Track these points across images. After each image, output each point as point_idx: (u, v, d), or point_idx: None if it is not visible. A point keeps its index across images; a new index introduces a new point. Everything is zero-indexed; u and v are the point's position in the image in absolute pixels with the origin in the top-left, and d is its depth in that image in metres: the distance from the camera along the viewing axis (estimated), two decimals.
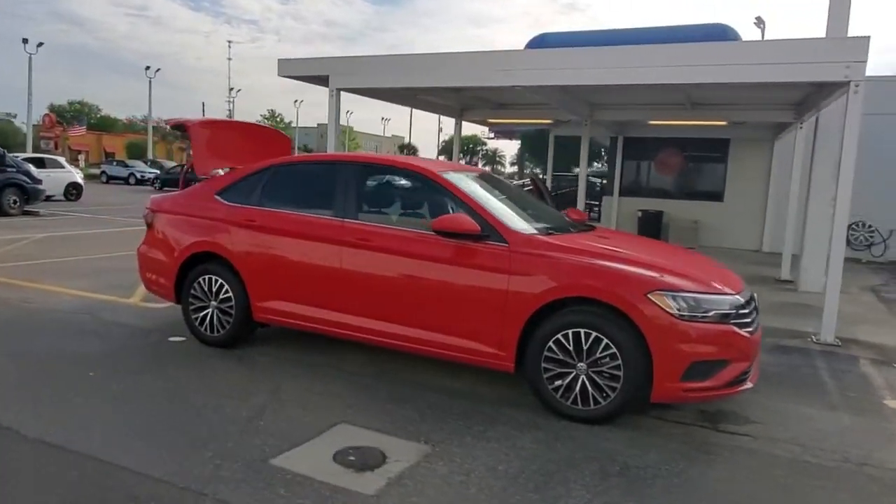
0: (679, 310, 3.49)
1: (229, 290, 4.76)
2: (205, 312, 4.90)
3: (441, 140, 66.43)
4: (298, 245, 4.50)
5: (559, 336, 3.70)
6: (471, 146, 73.31)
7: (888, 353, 5.75)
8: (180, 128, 5.53)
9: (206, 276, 4.85)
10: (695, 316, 3.51)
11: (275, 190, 4.81)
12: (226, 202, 4.88)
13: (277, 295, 4.61)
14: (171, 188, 23.08)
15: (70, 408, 3.63)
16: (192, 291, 4.92)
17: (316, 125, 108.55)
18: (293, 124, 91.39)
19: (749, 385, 3.70)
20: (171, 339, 5.12)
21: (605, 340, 3.59)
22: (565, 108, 9.37)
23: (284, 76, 8.01)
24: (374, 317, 4.25)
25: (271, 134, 6.09)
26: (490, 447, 3.34)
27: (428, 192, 4.37)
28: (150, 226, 5.25)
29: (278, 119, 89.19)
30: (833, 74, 5.70)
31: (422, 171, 4.38)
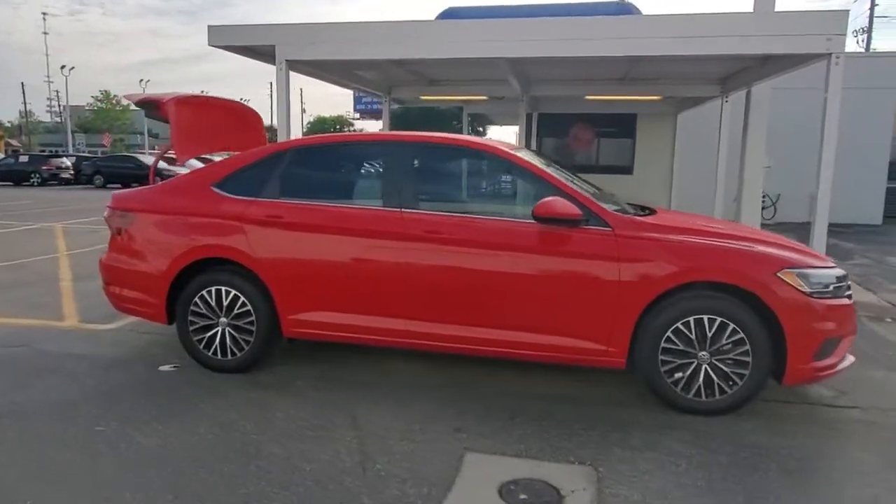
0: (809, 287, 3.33)
1: (248, 302, 3.90)
2: (212, 332, 3.99)
3: (305, 122, 63.67)
4: (344, 243, 3.76)
5: (679, 325, 3.40)
6: (337, 127, 71.11)
7: None
8: (149, 105, 4.41)
9: (214, 289, 3.94)
10: (821, 292, 3.38)
11: (300, 178, 4.00)
12: (230, 195, 3.98)
13: (316, 304, 3.84)
14: None
15: (110, 488, 2.70)
16: (194, 308, 3.98)
17: None
18: (131, 107, 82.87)
19: (853, 358, 3.66)
20: (162, 368, 4.13)
21: (732, 326, 3.35)
22: (504, 81, 9.06)
23: (217, 46, 6.84)
24: (450, 321, 3.67)
25: (251, 115, 5.11)
26: (648, 457, 2.97)
27: (501, 173, 3.83)
28: (119, 231, 4.16)
29: (114, 101, 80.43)
30: (815, 47, 5.89)
31: (494, 150, 3.81)
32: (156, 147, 64.55)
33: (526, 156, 3.83)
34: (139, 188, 4.27)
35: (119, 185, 26.39)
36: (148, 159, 27.54)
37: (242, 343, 3.97)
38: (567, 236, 3.51)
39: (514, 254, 3.55)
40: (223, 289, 3.93)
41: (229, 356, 4.00)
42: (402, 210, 3.72)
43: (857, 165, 13.66)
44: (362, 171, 3.98)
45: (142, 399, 3.61)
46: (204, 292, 3.96)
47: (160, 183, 4.24)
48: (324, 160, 4.08)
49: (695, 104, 11.15)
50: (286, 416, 3.40)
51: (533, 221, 3.54)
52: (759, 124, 8.99)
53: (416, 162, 3.84)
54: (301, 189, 3.97)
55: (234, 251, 3.88)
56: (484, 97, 10.90)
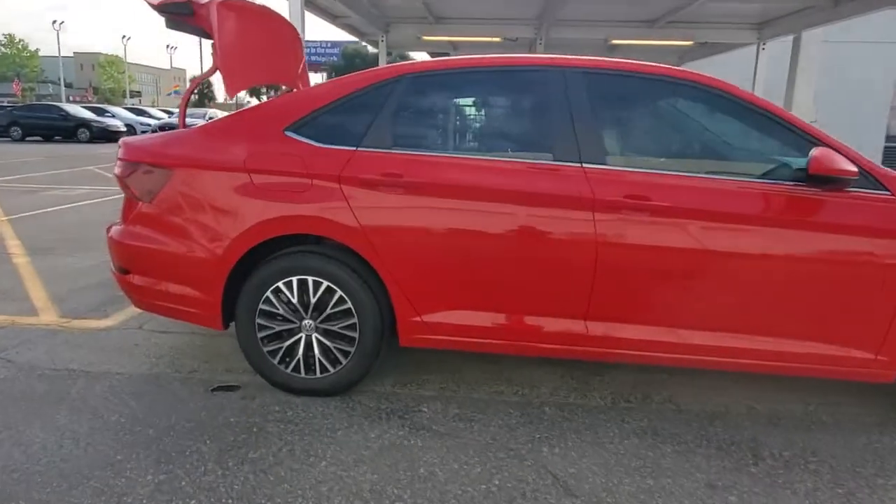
0: None
1: (348, 298, 2.71)
2: (292, 340, 2.80)
3: None
4: (498, 214, 2.59)
5: None
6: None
7: None
8: (177, 9, 2.98)
9: (297, 279, 2.73)
10: None
11: (422, 120, 2.79)
12: (317, 144, 2.73)
13: (456, 301, 2.70)
14: None
15: None
16: (265, 307, 2.77)
17: (73, 54, 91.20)
18: (40, 52, 75.33)
19: None
20: (215, 391, 2.91)
21: None
22: (520, 21, 7.90)
23: None
24: (669, 322, 2.62)
25: (289, 32, 3.74)
26: None
27: (727, 115, 2.71)
28: (144, 196, 2.85)
29: (20, 46, 72.91)
30: None
31: (719, 86, 2.68)
32: (70, 98, 58.94)
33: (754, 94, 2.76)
34: (166, 133, 2.93)
35: (40, 139, 23.52)
36: (77, 110, 24.58)
37: (337, 355, 2.80)
38: (837, 203, 2.50)
39: (767, 229, 2.50)
40: (311, 279, 2.72)
41: (318, 373, 2.82)
42: (585, 166, 2.59)
43: None
44: (516, 109, 2.80)
45: (210, 452, 2.41)
46: (281, 284, 2.74)
47: (200, 125, 2.92)
48: (456, 93, 2.86)
49: (726, 50, 10.31)
50: (451, 476, 2.28)
51: (786, 184, 2.52)
52: (808, 74, 8.23)
53: (600, 99, 2.69)
54: (425, 136, 2.77)
55: (330, 225, 2.66)
56: (497, 38, 9.66)
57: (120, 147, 2.95)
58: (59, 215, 7.52)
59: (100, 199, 8.89)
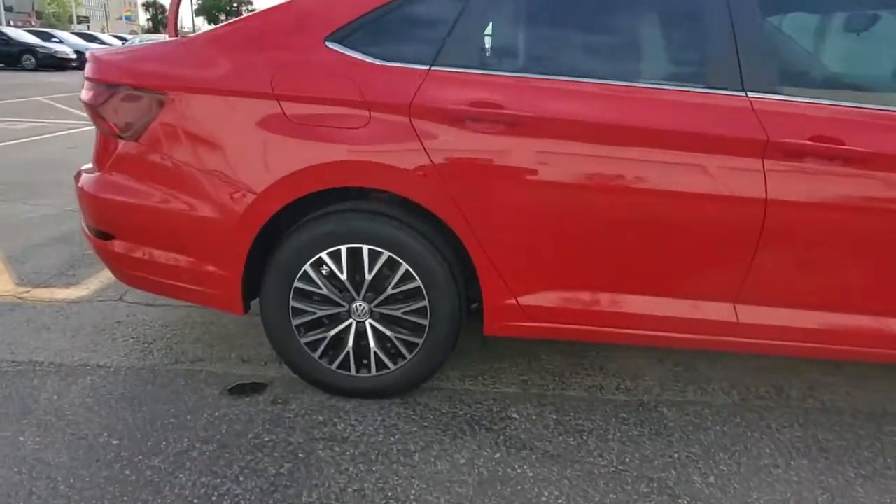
0: None
1: (418, 275, 2.01)
2: (338, 329, 2.10)
3: None
4: (631, 161, 1.87)
5: None
6: (234, 5, 62.98)
7: None
8: None
9: (345, 249, 2.00)
10: None
11: (527, 28, 2.01)
12: (373, 60, 1.95)
13: (565, 279, 2.01)
14: None
15: None
16: (300, 285, 2.05)
17: None
18: None
19: None
20: (234, 391, 2.21)
21: None
22: None
23: None
24: (849, 309, 1.98)
25: None
26: None
27: None
28: (121, 129, 2.04)
29: None
30: None
31: None
32: (11, 22, 54.28)
33: None
34: (156, 44, 2.09)
35: None
36: (20, 34, 22.34)
37: (400, 347, 2.12)
38: None
39: None
40: (366, 248, 2.00)
41: (373, 370, 2.15)
42: (751, 96, 1.89)
43: None
44: (657, 18, 2.03)
45: (247, 497, 1.73)
46: (325, 255, 2.01)
47: (204, 33, 2.09)
48: None
49: None
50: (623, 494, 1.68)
51: None
52: None
53: (773, 4, 1.95)
54: (534, 52, 2.00)
55: (397, 175, 1.91)
56: None
57: (89, 62, 2.11)
58: (3, 154, 6.47)
59: (50, 135, 7.79)
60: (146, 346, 2.53)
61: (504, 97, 1.89)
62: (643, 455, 1.95)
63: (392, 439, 1.98)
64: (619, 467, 1.89)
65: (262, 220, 1.99)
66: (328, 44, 1.97)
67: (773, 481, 1.86)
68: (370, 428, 2.03)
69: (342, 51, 1.96)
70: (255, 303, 2.16)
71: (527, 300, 2.05)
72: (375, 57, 1.95)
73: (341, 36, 1.97)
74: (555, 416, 2.14)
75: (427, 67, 1.94)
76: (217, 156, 1.98)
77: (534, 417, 2.13)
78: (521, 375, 2.40)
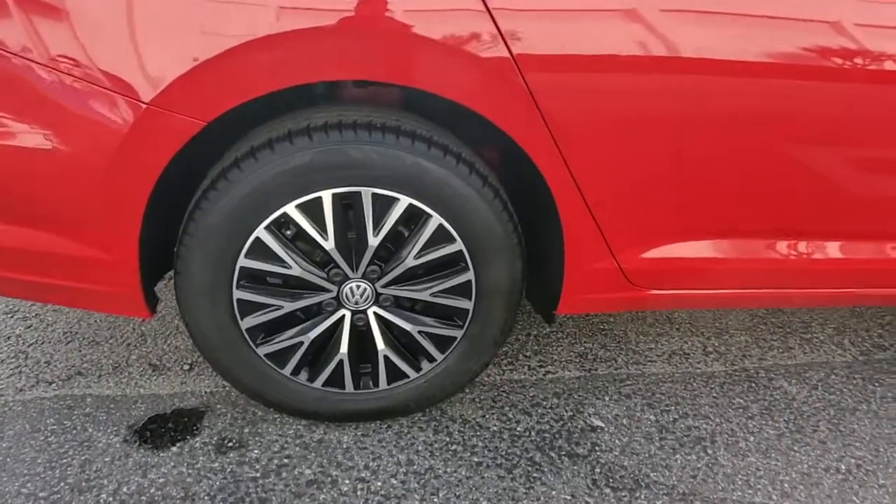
0: None
1: (460, 234, 1.17)
2: (320, 330, 1.25)
3: None
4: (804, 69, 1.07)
5: None
6: None
7: None
8: None
9: (329, 195, 1.11)
10: None
11: None
12: None
13: (697, 224, 1.25)
14: None
15: None
16: (249, 263, 1.15)
17: None
18: None
19: None
20: (158, 440, 1.34)
21: None
22: None
23: None
24: None
25: None
26: None
27: None
28: None
29: None
30: None
31: None
32: None
33: None
34: None
35: None
36: None
37: (426, 345, 1.30)
38: None
39: None
40: (367, 192, 1.11)
41: (383, 383, 1.33)
42: None
43: None
44: None
45: None
46: (292, 208, 1.11)
47: None
48: None
49: None
50: None
51: None
52: None
53: None
54: None
55: (436, 57, 1.01)
56: None
57: None
58: None
59: None
60: (18, 365, 1.55)
61: None
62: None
63: (432, 496, 1.22)
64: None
65: (163, 156, 1.03)
66: None
67: None
68: (393, 480, 1.26)
69: None
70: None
71: (633, 262, 1.27)
72: None
73: None
74: (652, 416, 1.47)
75: None
76: (61, 27, 0.96)
77: (625, 422, 1.45)
78: (610, 365, 1.67)
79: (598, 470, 1.31)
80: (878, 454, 1.40)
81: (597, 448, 1.37)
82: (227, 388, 1.47)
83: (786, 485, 1.30)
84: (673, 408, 1.50)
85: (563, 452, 1.35)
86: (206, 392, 1.47)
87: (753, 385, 1.60)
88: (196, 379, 1.51)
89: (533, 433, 1.40)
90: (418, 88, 1.06)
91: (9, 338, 1.62)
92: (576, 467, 1.31)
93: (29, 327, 1.66)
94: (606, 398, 1.52)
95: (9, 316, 1.71)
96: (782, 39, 1.08)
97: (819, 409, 1.53)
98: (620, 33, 1.04)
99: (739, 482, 1.30)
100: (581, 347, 1.70)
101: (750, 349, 1.75)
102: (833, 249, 1.32)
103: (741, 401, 1.54)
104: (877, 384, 1.63)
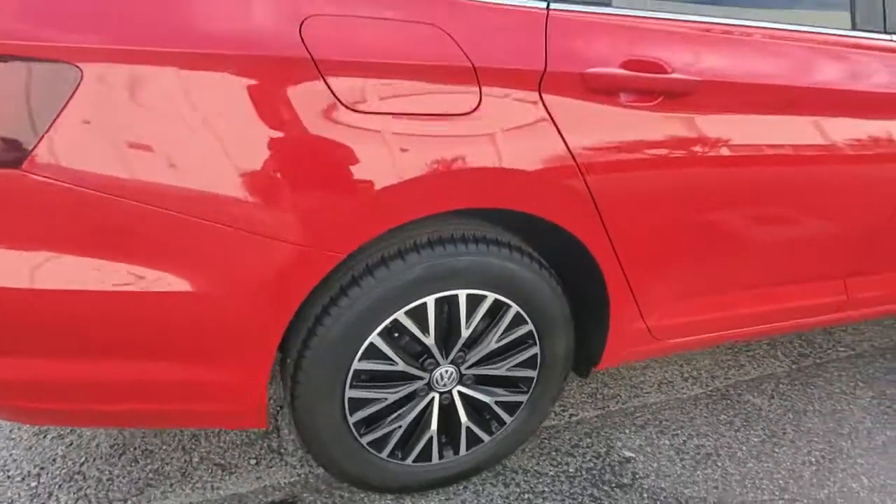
0: None
1: (530, 316, 1.39)
2: (414, 414, 1.41)
3: None
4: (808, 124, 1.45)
5: None
6: None
7: None
8: None
9: (433, 300, 1.28)
10: None
11: None
12: None
13: (706, 283, 1.56)
14: None
15: None
16: (362, 366, 1.29)
17: None
18: None
19: None
20: None
21: None
22: None
23: None
24: None
25: None
26: None
27: None
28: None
29: None
30: None
31: None
32: None
33: None
34: None
35: None
36: None
37: (498, 412, 1.50)
38: None
39: None
40: (463, 294, 1.30)
41: (464, 449, 1.51)
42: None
43: None
44: None
45: None
46: (402, 315, 1.27)
47: None
48: None
49: None
50: None
51: None
52: None
53: None
54: None
55: (523, 184, 1.23)
56: None
57: None
58: None
59: None
60: (37, 475, 1.51)
61: (667, 52, 1.29)
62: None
63: None
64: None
65: (305, 287, 1.16)
66: None
67: None
68: None
69: None
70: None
71: (656, 321, 1.57)
72: None
73: None
74: (666, 440, 1.78)
75: (544, 5, 1.23)
76: (198, 181, 1.06)
77: (649, 450, 1.74)
78: (582, 390, 1.97)
79: (645, 496, 1.58)
80: (832, 444, 1.81)
81: (637, 476, 1.64)
82: (303, 476, 1.57)
83: (780, 481, 1.66)
84: (679, 431, 1.82)
85: (613, 485, 1.61)
86: (285, 483, 1.56)
87: (729, 402, 1.97)
88: (269, 472, 1.59)
89: (583, 472, 1.64)
90: (505, 208, 1.28)
91: (54, 460, 1.59)
92: (627, 496, 1.58)
93: (70, 446, 1.63)
94: (627, 431, 1.81)
95: (41, 437, 1.66)
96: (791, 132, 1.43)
97: (781, 414, 1.92)
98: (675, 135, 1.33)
99: (749, 485, 1.64)
100: (589, 388, 1.98)
101: (714, 370, 2.13)
102: (794, 292, 1.72)
103: (725, 416, 1.90)
104: (812, 387, 2.07)
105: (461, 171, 1.17)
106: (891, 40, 1.56)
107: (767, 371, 2.14)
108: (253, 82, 1.03)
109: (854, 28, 1.52)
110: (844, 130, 1.49)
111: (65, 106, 0.96)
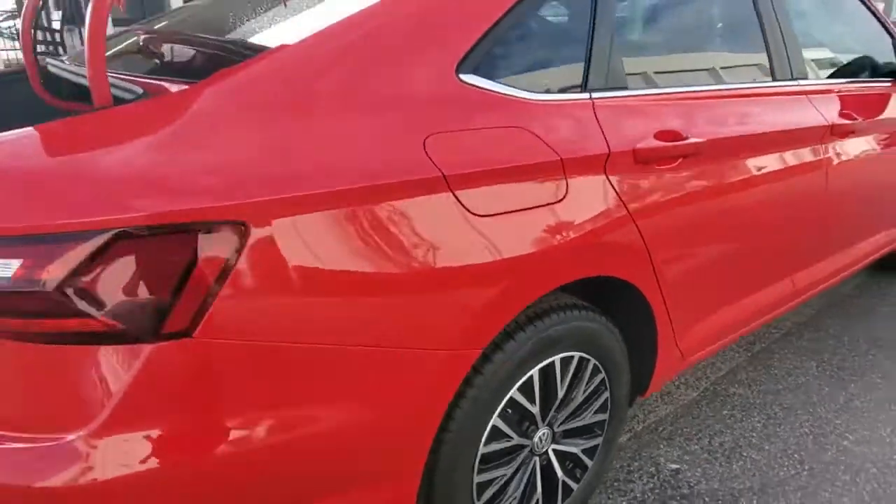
0: None
1: (603, 365, 1.54)
2: (524, 484, 1.47)
3: None
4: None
5: None
6: None
7: None
8: None
9: (535, 373, 1.38)
10: None
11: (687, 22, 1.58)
12: (531, 95, 1.29)
13: (716, 303, 1.83)
14: None
15: None
16: (486, 450, 1.35)
17: None
18: None
19: None
20: None
21: None
22: None
23: None
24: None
25: None
26: None
27: None
28: (156, 322, 0.89)
29: None
30: None
31: None
32: None
33: None
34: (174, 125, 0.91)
35: None
36: None
37: (582, 457, 1.62)
38: None
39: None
40: (557, 359, 1.42)
41: (560, 501, 1.60)
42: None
43: None
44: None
45: None
46: (515, 392, 1.35)
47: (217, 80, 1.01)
48: None
49: None
50: None
51: None
52: None
53: None
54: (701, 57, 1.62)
55: (609, 253, 1.39)
56: None
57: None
58: None
59: None
60: None
61: (683, 122, 1.53)
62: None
63: None
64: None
65: (453, 385, 1.20)
66: (461, 77, 1.23)
67: None
68: None
69: (487, 87, 1.25)
70: None
71: (685, 343, 1.80)
72: (527, 90, 1.31)
73: (475, 64, 1.25)
74: (697, 446, 2.00)
75: (588, 96, 1.41)
76: (357, 312, 1.08)
77: (687, 458, 1.95)
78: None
79: (707, 499, 1.78)
80: (812, 413, 2.16)
81: (691, 485, 1.84)
82: None
83: (795, 455, 1.95)
84: (700, 434, 2.06)
85: (678, 497, 1.79)
86: None
87: (721, 397, 2.26)
88: None
89: (649, 493, 1.81)
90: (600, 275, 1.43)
91: None
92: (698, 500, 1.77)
93: None
94: (661, 446, 2.01)
95: None
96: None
97: (763, 398, 2.25)
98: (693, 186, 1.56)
99: (776, 465, 1.91)
100: None
101: (695, 372, 2.42)
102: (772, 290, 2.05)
103: (726, 411, 2.18)
104: (772, 368, 2.44)
105: (569, 249, 1.30)
106: (797, 84, 1.97)
107: (733, 363, 2.48)
108: (393, 206, 1.08)
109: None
110: (801, 159, 1.85)
111: (235, 265, 0.94)
